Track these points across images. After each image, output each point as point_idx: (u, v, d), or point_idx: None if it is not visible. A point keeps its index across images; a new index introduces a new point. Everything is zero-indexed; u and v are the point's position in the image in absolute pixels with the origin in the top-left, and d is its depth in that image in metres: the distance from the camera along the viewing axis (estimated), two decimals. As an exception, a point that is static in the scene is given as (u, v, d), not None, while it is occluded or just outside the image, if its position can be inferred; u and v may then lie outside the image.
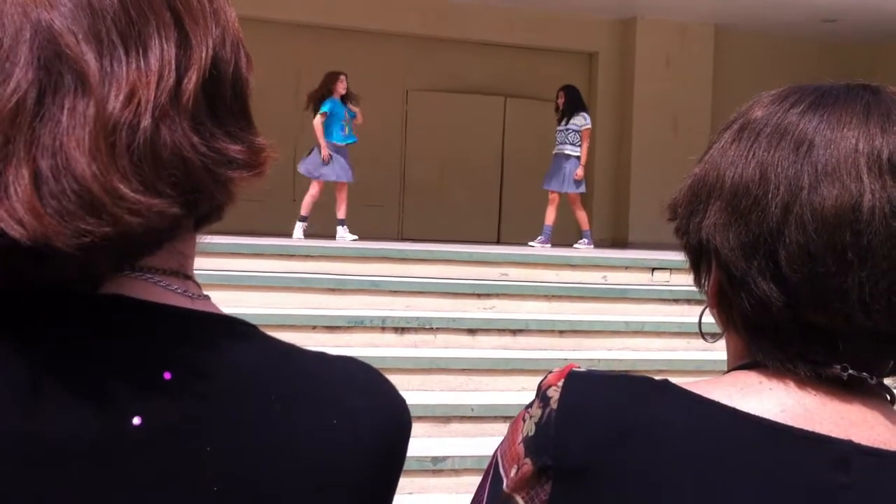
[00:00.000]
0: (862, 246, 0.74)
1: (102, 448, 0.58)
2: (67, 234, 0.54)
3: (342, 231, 9.52)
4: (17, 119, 0.55)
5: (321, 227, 9.88)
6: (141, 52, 0.59)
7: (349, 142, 9.44)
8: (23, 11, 0.57)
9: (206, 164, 0.60)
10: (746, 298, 0.79)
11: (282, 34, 12.15)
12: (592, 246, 10.24)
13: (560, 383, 0.80)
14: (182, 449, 0.59)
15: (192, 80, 0.60)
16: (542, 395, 0.81)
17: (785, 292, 0.77)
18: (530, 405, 0.82)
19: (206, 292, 0.69)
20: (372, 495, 0.66)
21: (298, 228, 9.42)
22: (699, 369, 5.98)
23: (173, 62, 0.60)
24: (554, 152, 10.23)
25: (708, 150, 0.86)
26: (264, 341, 0.65)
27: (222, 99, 0.63)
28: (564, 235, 10.94)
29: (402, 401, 0.70)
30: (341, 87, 9.41)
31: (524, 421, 0.81)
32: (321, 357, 0.68)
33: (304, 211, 9.50)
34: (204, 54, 0.62)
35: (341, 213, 9.60)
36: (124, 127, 0.56)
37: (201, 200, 0.62)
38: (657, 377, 0.81)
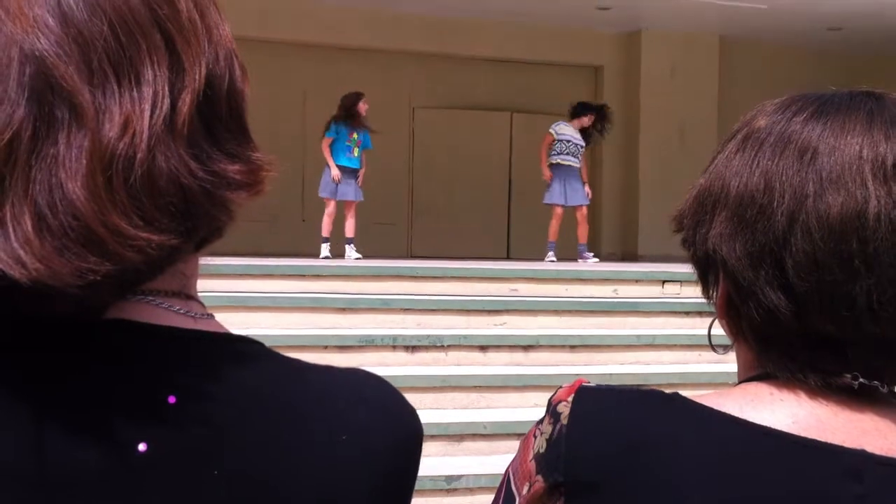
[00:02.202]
0: (868, 253, 0.74)
1: (109, 476, 0.57)
2: (68, 272, 0.53)
3: (350, 250, 9.59)
4: (13, 156, 0.54)
5: (332, 245, 9.90)
6: (133, 80, 0.57)
7: (353, 166, 9.53)
8: (10, 40, 0.55)
9: (204, 188, 0.59)
10: (755, 308, 0.78)
11: (287, 54, 12.22)
12: (597, 258, 10.31)
13: (570, 398, 0.80)
14: (190, 473, 0.59)
15: (186, 104, 0.59)
16: (552, 410, 0.81)
17: (793, 301, 0.76)
18: (541, 421, 0.82)
19: (216, 314, 0.68)
20: None
21: (324, 249, 9.52)
22: (712, 381, 5.95)
23: (166, 87, 0.58)
24: (567, 163, 10.16)
25: (712, 160, 0.86)
26: (270, 358, 0.65)
27: (218, 117, 0.62)
28: (574, 250, 10.92)
29: (413, 412, 0.69)
30: (363, 108, 9.54)
31: (535, 437, 0.81)
32: (329, 371, 0.67)
33: (324, 232, 9.57)
34: (197, 75, 0.60)
35: (350, 232, 9.68)
36: (120, 160, 0.55)
37: (201, 225, 0.61)
38: (670, 390, 0.80)
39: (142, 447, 0.58)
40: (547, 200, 10.35)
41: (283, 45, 12.09)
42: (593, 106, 10.51)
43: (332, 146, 9.53)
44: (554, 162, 10.22)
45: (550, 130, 10.30)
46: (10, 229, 0.53)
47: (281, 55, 11.99)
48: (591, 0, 11.70)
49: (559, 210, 10.24)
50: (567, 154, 10.19)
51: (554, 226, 10.29)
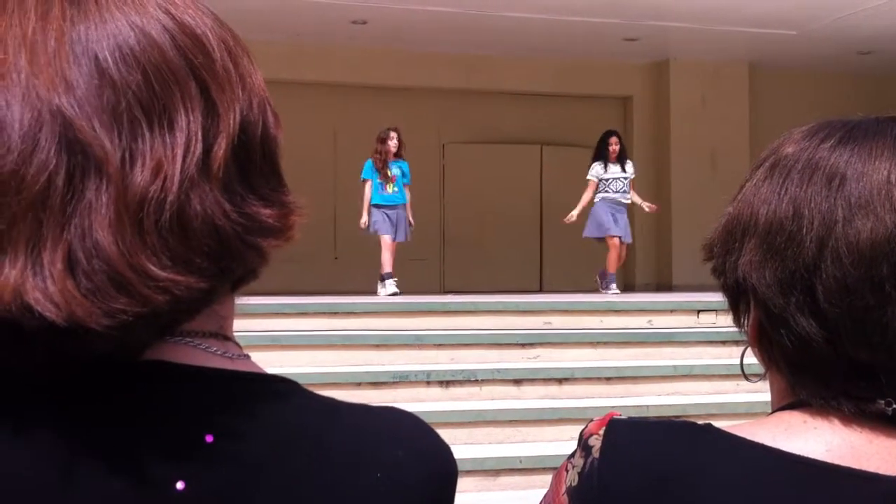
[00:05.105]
0: None
1: None
2: (99, 313, 0.55)
3: (380, 287, 9.57)
4: (48, 201, 0.55)
5: (365, 283, 9.92)
6: (166, 125, 0.59)
7: (389, 203, 9.49)
8: (37, 95, 0.57)
9: (237, 231, 0.61)
10: (787, 335, 0.78)
11: (318, 95, 12.35)
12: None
13: (601, 431, 0.80)
14: None
15: (221, 148, 0.61)
16: (583, 444, 0.81)
17: (825, 328, 0.76)
18: (573, 455, 0.82)
19: (251, 353, 0.69)
20: None
21: (390, 285, 9.38)
22: (750, 411, 5.88)
23: (200, 132, 0.60)
24: (619, 200, 10.12)
25: (740, 189, 0.86)
26: (305, 398, 0.65)
27: (252, 162, 0.64)
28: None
29: (447, 450, 0.69)
30: (391, 146, 9.50)
31: (567, 471, 0.81)
32: (363, 409, 0.67)
33: (386, 269, 9.49)
34: (232, 121, 0.62)
35: (386, 269, 9.68)
36: (151, 203, 0.57)
37: (235, 266, 0.62)
38: (708, 421, 0.80)
39: (180, 485, 0.59)
40: (596, 234, 10.15)
41: (313, 86, 12.22)
42: (604, 134, 10.41)
43: (372, 186, 9.54)
44: (601, 198, 10.13)
45: (591, 177, 10.18)
46: (47, 271, 0.55)
47: (311, 95, 12.12)
48: (618, 31, 11.73)
49: (615, 241, 10.04)
50: (615, 192, 10.12)
51: (612, 256, 10.10)
